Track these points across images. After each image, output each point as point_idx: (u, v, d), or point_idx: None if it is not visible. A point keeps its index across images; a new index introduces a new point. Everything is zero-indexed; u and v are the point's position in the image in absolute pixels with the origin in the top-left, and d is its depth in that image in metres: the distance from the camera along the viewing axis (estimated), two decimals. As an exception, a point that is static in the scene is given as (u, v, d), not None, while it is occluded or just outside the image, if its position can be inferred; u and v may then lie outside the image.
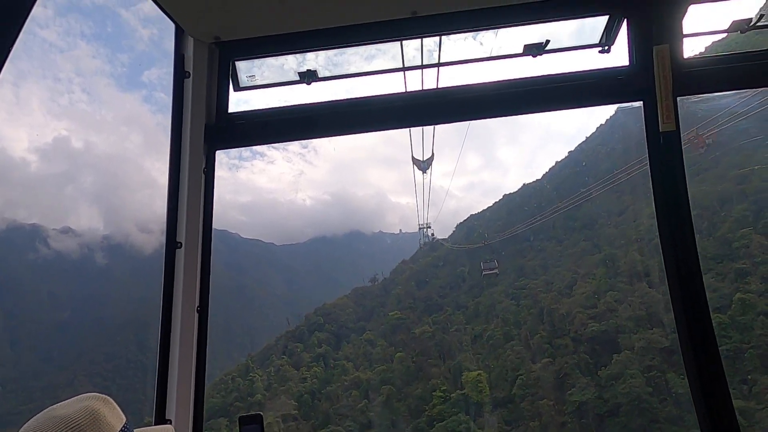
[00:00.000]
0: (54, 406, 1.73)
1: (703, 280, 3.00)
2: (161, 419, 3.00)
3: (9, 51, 1.38)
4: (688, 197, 3.05)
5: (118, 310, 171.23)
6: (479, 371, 59.76)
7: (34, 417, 1.70)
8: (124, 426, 1.79)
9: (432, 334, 74.97)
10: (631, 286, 58.93)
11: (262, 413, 2.79)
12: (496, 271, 79.51)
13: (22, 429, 1.64)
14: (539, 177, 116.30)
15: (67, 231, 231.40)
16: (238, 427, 2.73)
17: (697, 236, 3.15)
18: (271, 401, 74.86)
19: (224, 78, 3.41)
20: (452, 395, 59.80)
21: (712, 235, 58.11)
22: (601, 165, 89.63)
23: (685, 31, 3.17)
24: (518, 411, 55.40)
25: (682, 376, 45.45)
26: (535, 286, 74.71)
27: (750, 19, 3.20)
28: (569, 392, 52.67)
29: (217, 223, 3.44)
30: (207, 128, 3.31)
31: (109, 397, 1.82)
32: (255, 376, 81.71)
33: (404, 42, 3.52)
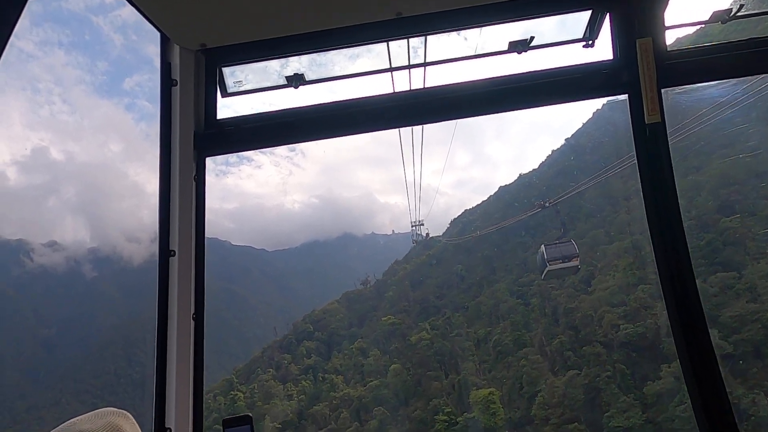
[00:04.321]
0: (74, 420, 1.66)
1: (693, 268, 2.88)
2: (161, 428, 2.83)
3: None
4: (675, 188, 2.96)
5: (106, 324, 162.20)
6: (491, 389, 47.46)
7: (55, 430, 1.61)
8: None
9: (430, 341, 64.35)
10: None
11: (251, 414, 2.55)
12: (575, 263, 36.56)
13: None
14: (536, 167, 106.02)
15: (52, 245, 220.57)
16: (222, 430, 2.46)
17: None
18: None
19: (212, 85, 3.26)
20: (459, 419, 47.54)
21: (756, 213, 46.66)
22: (603, 149, 79.24)
23: (666, 23, 3.10)
24: (540, 437, 43.11)
25: (756, 392, 33.78)
26: (542, 282, 63.25)
27: (730, 10, 3.11)
28: (606, 414, 40.36)
29: (207, 231, 3.21)
30: (196, 135, 3.15)
31: (127, 412, 1.76)
32: (237, 394, 73.19)
33: (390, 43, 3.45)
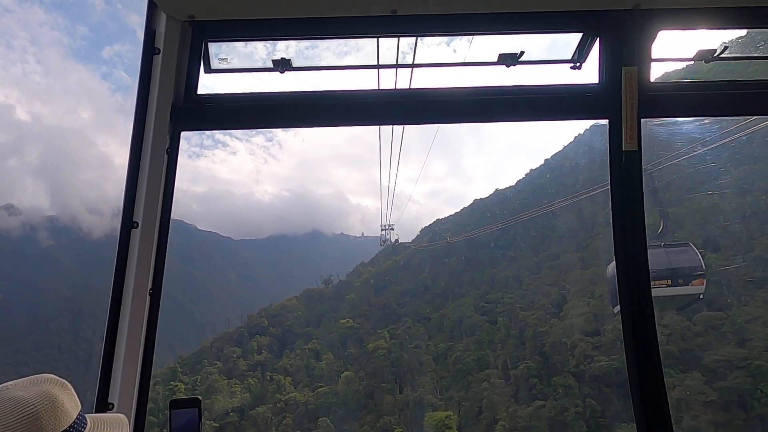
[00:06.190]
0: (8, 384, 1.58)
1: (652, 296, 2.90)
2: (103, 402, 2.70)
3: None
4: (644, 216, 2.99)
5: (57, 295, 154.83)
6: (448, 413, 42.65)
7: None
8: (79, 414, 1.65)
9: (387, 351, 59.41)
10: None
11: (200, 397, 2.46)
12: (700, 288, 17.46)
13: None
14: (513, 183, 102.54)
15: (8, 208, 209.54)
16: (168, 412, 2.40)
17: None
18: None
19: (195, 58, 3.14)
20: (410, 442, 42.65)
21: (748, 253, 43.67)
22: (580, 171, 76.37)
23: (653, 56, 3.14)
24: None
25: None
26: (511, 301, 59.72)
27: (714, 50, 3.18)
28: (574, 455, 36.00)
29: (174, 212, 3.06)
30: (174, 108, 3.04)
31: (66, 382, 1.68)
32: (179, 385, 67.59)
33: (380, 41, 3.46)
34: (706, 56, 3.17)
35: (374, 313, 72.91)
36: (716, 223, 47.92)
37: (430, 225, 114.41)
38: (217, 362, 71.87)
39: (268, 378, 64.62)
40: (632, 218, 2.94)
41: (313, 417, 52.39)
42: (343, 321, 70.79)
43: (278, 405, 57.35)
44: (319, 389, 56.89)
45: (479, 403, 45.09)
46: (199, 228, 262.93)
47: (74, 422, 1.58)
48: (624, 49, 3.03)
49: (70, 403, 1.60)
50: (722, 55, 3.17)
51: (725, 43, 3.16)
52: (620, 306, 2.90)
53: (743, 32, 3.67)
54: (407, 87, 3.43)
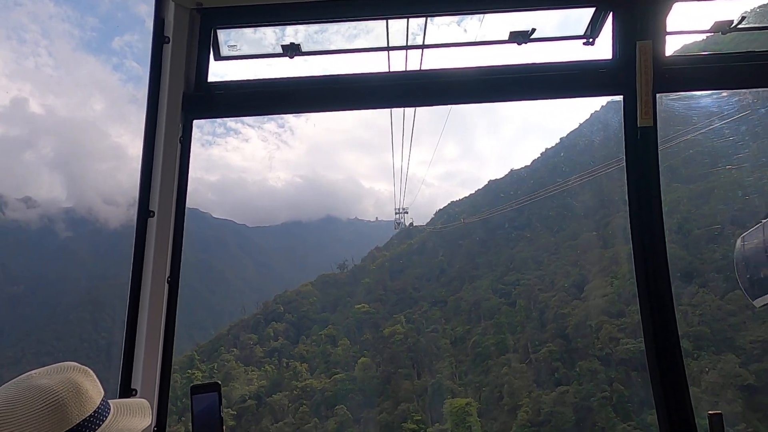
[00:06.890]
0: (32, 373, 1.62)
1: (669, 272, 2.81)
2: (126, 389, 2.75)
3: None
4: (660, 193, 2.93)
5: (76, 286, 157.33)
6: (468, 400, 41.26)
7: (11, 382, 1.58)
8: (102, 400, 1.69)
9: (404, 336, 58.25)
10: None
11: (219, 382, 2.40)
12: None
13: None
14: (528, 164, 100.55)
15: (26, 200, 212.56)
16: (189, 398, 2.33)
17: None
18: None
19: (205, 46, 3.13)
20: (429, 430, 41.30)
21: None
22: (595, 149, 73.50)
23: (668, 29, 3.05)
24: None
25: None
26: (529, 283, 58.06)
27: (731, 21, 3.06)
28: (602, 443, 34.47)
29: (189, 201, 3.09)
30: (185, 97, 3.04)
31: (89, 369, 1.72)
32: (196, 373, 67.19)
33: (389, 22, 3.38)
34: (722, 27, 3.06)
35: (390, 298, 72.20)
36: (736, 199, 45.96)
37: (444, 207, 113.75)
38: (234, 349, 72.01)
39: (285, 364, 64.47)
40: (648, 195, 2.89)
41: (330, 404, 51.69)
42: (359, 306, 70.05)
43: (295, 392, 56.96)
44: (336, 375, 56.35)
45: (500, 388, 43.93)
46: (214, 216, 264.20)
47: (98, 408, 1.61)
48: (638, 23, 2.95)
49: (94, 390, 1.63)
50: (740, 26, 3.04)
51: (744, 12, 3.02)
52: (637, 286, 2.81)
53: (764, 0, 3.64)
54: (418, 68, 3.37)
